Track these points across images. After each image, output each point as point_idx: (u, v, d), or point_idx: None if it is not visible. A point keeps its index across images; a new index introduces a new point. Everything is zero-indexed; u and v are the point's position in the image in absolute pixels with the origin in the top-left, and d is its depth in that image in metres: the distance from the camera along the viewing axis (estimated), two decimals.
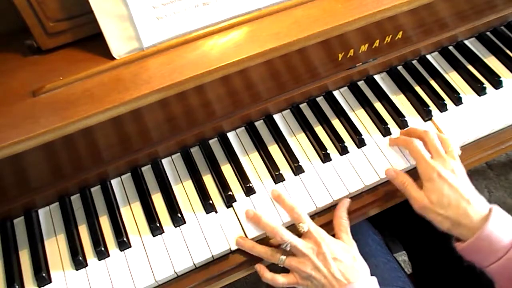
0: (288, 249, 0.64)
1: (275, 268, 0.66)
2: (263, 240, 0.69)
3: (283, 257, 0.64)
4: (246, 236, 0.68)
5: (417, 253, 0.90)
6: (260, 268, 0.66)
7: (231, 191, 0.72)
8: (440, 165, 0.65)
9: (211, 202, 0.71)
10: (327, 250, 0.62)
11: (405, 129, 0.77)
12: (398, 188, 0.69)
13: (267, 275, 0.65)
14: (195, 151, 0.78)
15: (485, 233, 0.59)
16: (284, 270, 0.66)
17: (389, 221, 0.95)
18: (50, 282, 0.66)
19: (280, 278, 0.64)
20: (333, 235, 0.67)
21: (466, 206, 0.62)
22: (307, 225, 0.65)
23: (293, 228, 0.67)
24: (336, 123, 0.79)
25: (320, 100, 0.83)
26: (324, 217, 0.71)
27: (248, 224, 0.69)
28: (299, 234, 0.66)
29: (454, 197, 0.62)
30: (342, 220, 0.68)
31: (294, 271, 0.64)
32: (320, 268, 0.61)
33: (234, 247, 0.68)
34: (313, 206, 0.70)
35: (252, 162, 0.76)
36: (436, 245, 0.84)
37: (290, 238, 0.64)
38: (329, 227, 0.70)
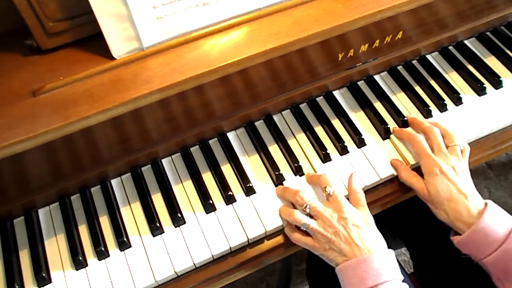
0: (308, 211, 0.65)
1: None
2: (270, 236, 0.70)
3: (307, 222, 0.64)
4: (248, 238, 0.68)
5: (419, 250, 0.90)
6: (285, 209, 0.68)
7: (231, 191, 0.72)
8: (442, 161, 0.67)
9: (211, 202, 0.71)
10: (349, 216, 0.63)
11: (411, 117, 0.77)
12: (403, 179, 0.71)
13: (287, 228, 0.67)
14: (195, 151, 0.78)
15: (480, 226, 0.61)
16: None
17: (390, 218, 0.95)
18: (50, 282, 0.66)
19: (300, 235, 0.65)
20: None
21: (464, 201, 0.64)
22: (333, 189, 0.66)
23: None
24: (336, 123, 0.79)
25: (320, 100, 0.83)
26: None
27: (248, 223, 0.69)
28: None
29: (453, 192, 0.65)
30: (358, 194, 0.68)
31: (314, 235, 0.64)
32: (340, 232, 0.62)
33: (234, 247, 0.68)
34: None
35: (252, 162, 0.76)
36: (438, 242, 0.84)
37: (310, 199, 0.65)
38: None
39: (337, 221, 0.63)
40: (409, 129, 0.75)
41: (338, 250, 0.62)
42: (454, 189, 0.65)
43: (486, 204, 0.64)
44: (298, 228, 0.66)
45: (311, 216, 0.65)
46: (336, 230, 0.62)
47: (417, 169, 0.70)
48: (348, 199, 0.68)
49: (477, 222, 0.61)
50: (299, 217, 0.64)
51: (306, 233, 0.65)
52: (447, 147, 0.70)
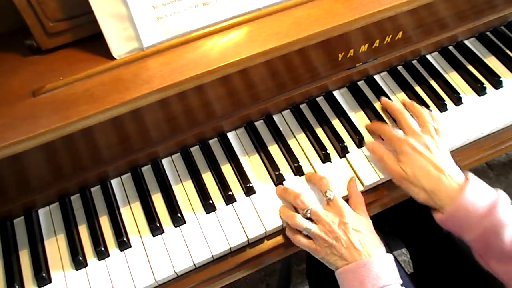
0: (308, 215, 0.65)
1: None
2: (270, 236, 0.70)
3: (308, 226, 0.64)
4: (248, 237, 0.68)
5: (418, 251, 0.90)
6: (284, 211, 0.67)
7: (231, 191, 0.72)
8: (414, 140, 0.67)
9: (211, 202, 0.71)
10: (350, 221, 0.63)
11: (384, 100, 0.79)
12: (377, 161, 0.72)
13: (289, 231, 0.67)
14: (195, 151, 0.78)
15: (462, 202, 0.60)
16: None
17: (390, 218, 0.95)
18: (50, 282, 0.66)
19: (302, 238, 0.65)
20: None
21: (440, 175, 0.63)
22: (334, 194, 0.66)
23: None
24: (336, 123, 0.79)
25: (320, 100, 0.83)
26: None
27: (248, 223, 0.69)
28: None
29: (427, 168, 0.64)
30: (359, 198, 0.69)
31: (315, 239, 0.64)
32: (341, 237, 0.62)
33: (234, 247, 0.68)
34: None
35: (252, 162, 0.76)
36: (438, 243, 0.84)
37: (312, 204, 0.65)
38: None
39: (338, 226, 0.63)
40: (376, 121, 0.77)
41: (338, 254, 0.62)
42: (430, 165, 0.64)
43: (467, 178, 0.63)
44: (299, 231, 0.66)
45: (311, 220, 0.65)
46: (337, 235, 0.62)
47: None
48: (347, 202, 0.68)
49: (458, 198, 0.60)
50: (301, 221, 0.64)
51: (307, 236, 0.65)
52: (421, 127, 0.70)
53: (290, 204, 0.69)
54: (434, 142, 0.67)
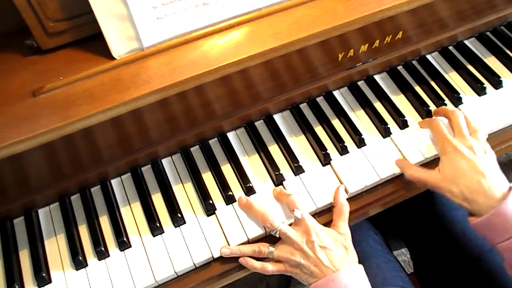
0: (277, 235, 0.65)
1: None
2: (270, 236, 0.69)
3: (272, 249, 0.65)
4: (248, 237, 0.68)
5: (419, 251, 0.90)
6: (246, 261, 0.66)
7: (231, 191, 0.72)
8: (458, 141, 0.67)
9: (211, 202, 0.71)
10: (317, 239, 0.63)
11: (438, 108, 0.78)
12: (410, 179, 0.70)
13: (256, 265, 0.66)
14: (195, 151, 0.78)
15: (502, 210, 0.59)
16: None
17: (390, 218, 0.95)
18: (50, 282, 0.66)
19: (270, 266, 0.65)
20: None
21: (481, 179, 0.62)
22: (301, 212, 0.66)
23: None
24: (336, 123, 0.79)
25: (320, 100, 0.83)
26: (324, 217, 0.71)
27: (248, 223, 0.69)
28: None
29: (468, 171, 0.63)
30: (344, 208, 0.68)
31: (283, 260, 0.64)
32: (309, 255, 0.62)
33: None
34: (313, 206, 0.70)
35: (252, 162, 0.76)
36: (438, 243, 0.84)
37: (280, 224, 0.65)
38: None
39: (306, 245, 0.63)
40: (435, 113, 0.77)
41: (308, 272, 0.62)
42: (470, 167, 0.63)
43: (510, 188, 0.61)
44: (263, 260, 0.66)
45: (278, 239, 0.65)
46: (305, 254, 0.63)
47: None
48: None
49: (499, 205, 0.59)
50: (267, 253, 0.65)
51: (276, 261, 0.66)
52: (471, 133, 0.69)
53: (249, 255, 0.67)
54: (481, 146, 0.66)
